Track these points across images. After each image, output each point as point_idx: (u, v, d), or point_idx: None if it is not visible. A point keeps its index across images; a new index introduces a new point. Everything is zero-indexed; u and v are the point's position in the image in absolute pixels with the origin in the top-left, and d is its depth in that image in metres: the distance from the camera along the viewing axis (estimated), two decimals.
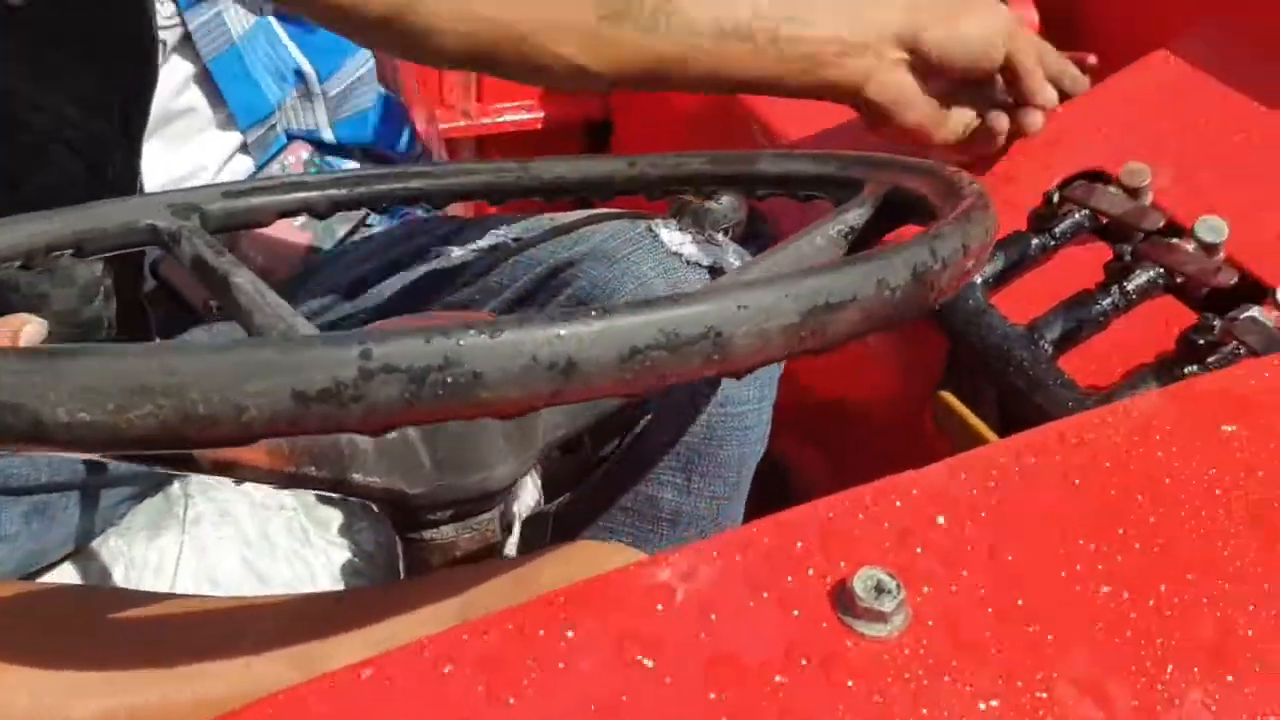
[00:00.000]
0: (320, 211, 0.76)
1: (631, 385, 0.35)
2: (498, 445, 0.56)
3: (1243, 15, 0.89)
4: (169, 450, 0.44)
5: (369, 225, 1.04)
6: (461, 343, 0.33)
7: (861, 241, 0.60)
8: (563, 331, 0.34)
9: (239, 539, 0.91)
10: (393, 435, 0.52)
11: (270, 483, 0.49)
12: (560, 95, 1.50)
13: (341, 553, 0.93)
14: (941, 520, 0.40)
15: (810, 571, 0.38)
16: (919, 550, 0.39)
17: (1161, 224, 0.74)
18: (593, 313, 0.34)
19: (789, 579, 0.38)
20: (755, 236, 0.99)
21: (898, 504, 0.40)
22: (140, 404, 0.33)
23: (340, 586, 0.92)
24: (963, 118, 0.85)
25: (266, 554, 0.92)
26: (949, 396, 0.75)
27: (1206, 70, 0.89)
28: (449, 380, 0.33)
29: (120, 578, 0.86)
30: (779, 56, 0.76)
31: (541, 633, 0.35)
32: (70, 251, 0.66)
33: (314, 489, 0.49)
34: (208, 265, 0.65)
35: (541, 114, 1.50)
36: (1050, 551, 0.39)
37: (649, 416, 0.76)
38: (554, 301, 0.81)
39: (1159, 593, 0.38)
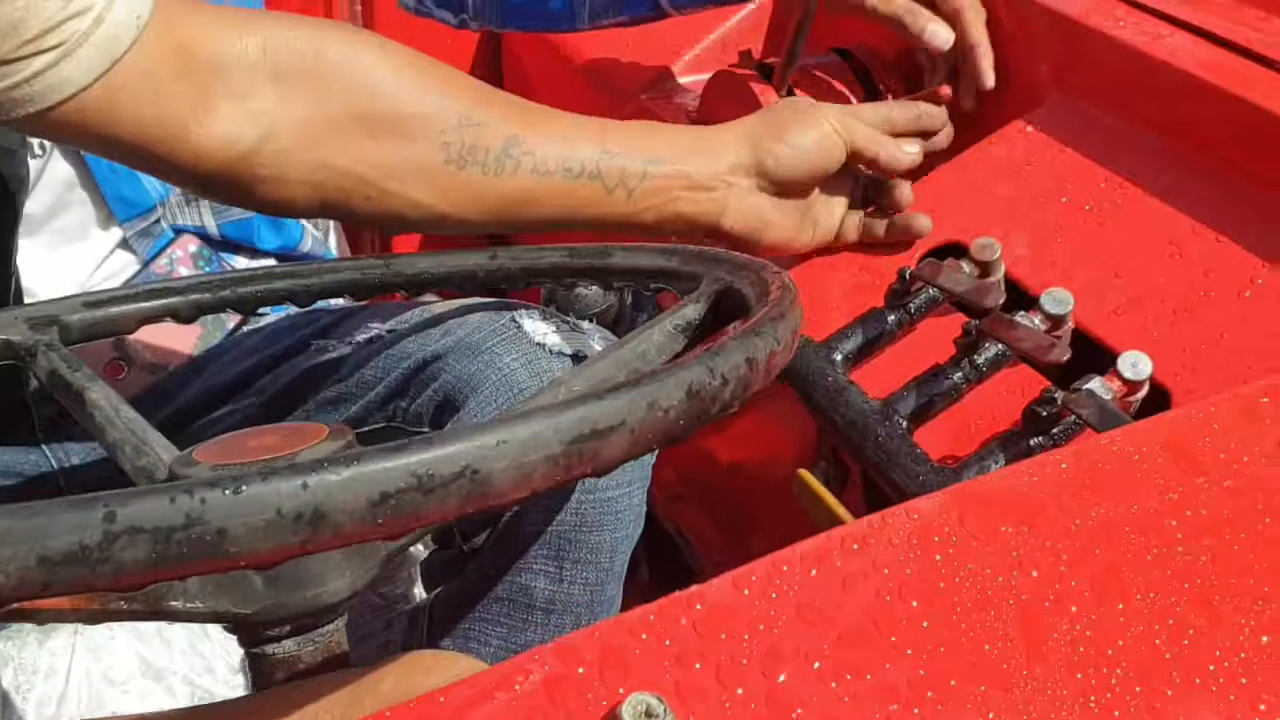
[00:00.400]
0: (185, 316, 0.76)
1: (387, 530, 0.36)
2: (332, 560, 0.56)
3: (1096, 87, 0.92)
4: None
5: (261, 313, 1.04)
6: (205, 500, 0.34)
7: (700, 336, 0.62)
8: (309, 481, 0.35)
9: (133, 636, 0.90)
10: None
11: (77, 621, 0.49)
12: None
13: (238, 646, 0.92)
14: (723, 636, 0.40)
15: (589, 697, 0.39)
16: (697, 668, 0.40)
17: (1002, 300, 0.76)
18: (342, 460, 0.35)
19: (568, 707, 0.38)
20: (636, 313, 1.01)
21: (682, 621, 0.41)
22: None
23: (239, 678, 0.91)
24: (831, 216, 0.88)
25: (162, 650, 0.91)
26: (807, 475, 0.76)
27: (1061, 141, 0.91)
28: (193, 538, 0.34)
29: (9, 682, 0.85)
30: (629, 195, 0.78)
31: None
32: None
33: (129, 621, 0.49)
34: (63, 381, 0.65)
35: None
36: (824, 662, 0.40)
37: (517, 506, 0.77)
38: (423, 395, 0.81)
39: (926, 699, 0.39)
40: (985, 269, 0.81)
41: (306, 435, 0.56)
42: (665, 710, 0.37)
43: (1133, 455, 0.46)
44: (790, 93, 1.02)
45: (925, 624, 0.41)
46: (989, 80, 0.94)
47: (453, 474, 0.36)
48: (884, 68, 1.02)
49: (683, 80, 1.19)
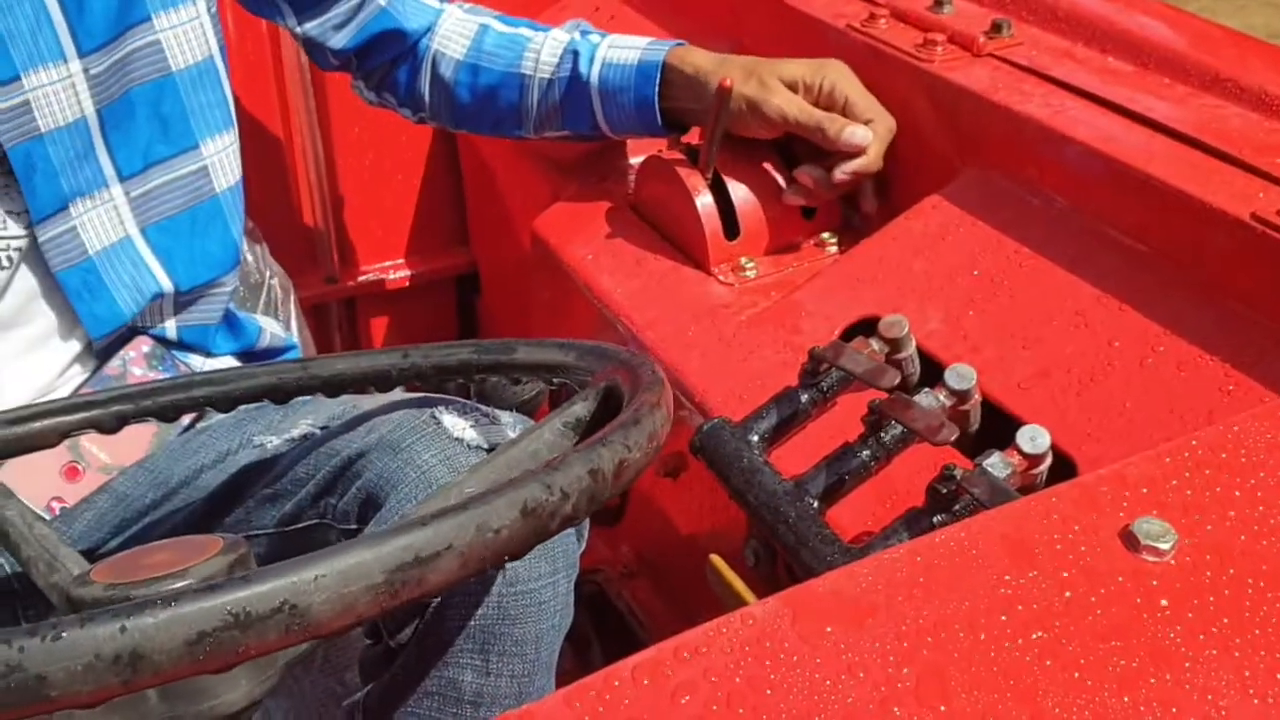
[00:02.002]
0: (108, 428, 0.78)
1: (208, 665, 0.37)
2: (226, 675, 0.57)
3: (1005, 160, 0.94)
4: None
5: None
6: (24, 649, 0.35)
7: (590, 431, 0.63)
8: (126, 624, 0.36)
9: None
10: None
11: None
12: (426, 250, 1.55)
13: None
14: None
15: None
16: None
17: (897, 381, 0.78)
18: (159, 601, 0.37)
19: None
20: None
21: None
22: None
23: None
24: None
25: None
26: (717, 560, 0.77)
27: (974, 214, 0.94)
28: (14, 685, 0.35)
29: None
30: None
31: None
32: None
33: None
34: None
35: (409, 271, 1.55)
36: None
37: (437, 601, 0.78)
38: (349, 493, 0.83)
39: None
40: (894, 345, 0.83)
41: (202, 550, 0.58)
42: None
43: (970, 550, 0.48)
44: (716, 175, 1.05)
45: None
46: (871, 205, 0.99)
47: (270, 610, 0.38)
48: (801, 146, 1.04)
49: (625, 159, 1.22)
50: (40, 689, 0.36)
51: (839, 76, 1.02)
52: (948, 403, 0.78)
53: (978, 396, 0.80)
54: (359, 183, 1.47)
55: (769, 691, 0.43)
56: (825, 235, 1.06)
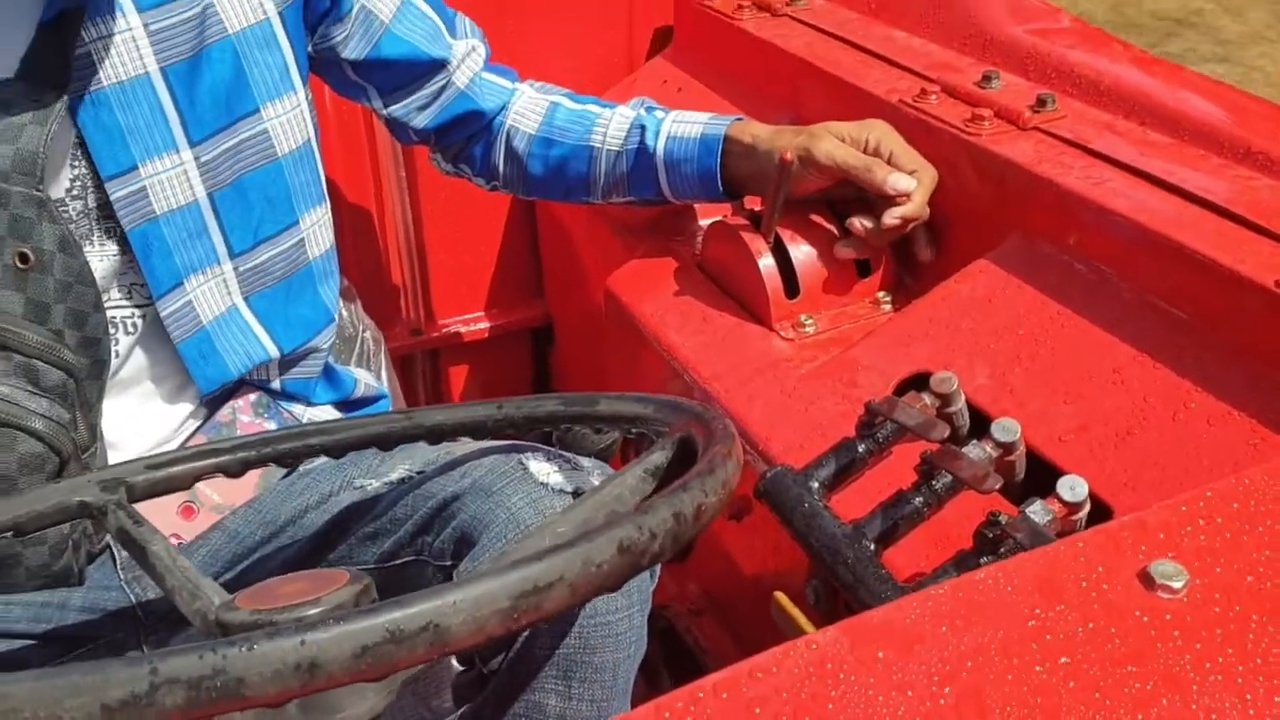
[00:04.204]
0: (233, 472, 0.88)
1: (369, 674, 0.46)
2: (356, 690, 0.65)
3: (1048, 228, 1.01)
4: None
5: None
6: (225, 656, 0.44)
7: (667, 477, 0.71)
8: (306, 639, 0.45)
9: None
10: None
11: None
12: (504, 304, 1.65)
13: None
14: None
15: None
16: None
17: (946, 434, 0.85)
18: (331, 620, 0.45)
19: None
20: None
21: None
22: None
23: None
24: None
25: None
26: (781, 597, 0.85)
27: (1019, 277, 1.01)
28: (219, 685, 0.44)
29: None
30: None
31: None
32: (10, 533, 0.78)
33: None
34: (129, 536, 0.76)
35: (488, 324, 1.64)
36: None
37: (527, 631, 0.86)
38: (445, 532, 0.92)
39: None
40: (945, 400, 0.90)
41: (330, 582, 0.66)
42: None
43: (1005, 586, 0.55)
44: (777, 238, 1.13)
45: None
46: (926, 254, 1.06)
47: (419, 628, 0.46)
48: (854, 205, 1.12)
49: (693, 222, 1.31)
50: (238, 689, 0.44)
51: (883, 133, 1.10)
52: (994, 454, 0.85)
53: (1022, 448, 0.86)
54: (443, 243, 1.57)
55: (830, 706, 0.50)
56: (880, 295, 1.14)
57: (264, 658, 0.44)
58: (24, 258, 0.90)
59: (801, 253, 1.13)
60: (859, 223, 1.09)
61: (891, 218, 1.07)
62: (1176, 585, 0.54)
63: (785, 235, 1.13)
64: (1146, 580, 0.54)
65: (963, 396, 0.91)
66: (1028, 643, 0.52)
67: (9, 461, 0.91)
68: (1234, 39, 4.30)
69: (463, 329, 1.64)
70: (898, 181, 1.05)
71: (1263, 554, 0.56)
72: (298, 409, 1.20)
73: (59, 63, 0.91)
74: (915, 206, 1.07)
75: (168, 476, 0.85)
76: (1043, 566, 0.56)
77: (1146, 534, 0.57)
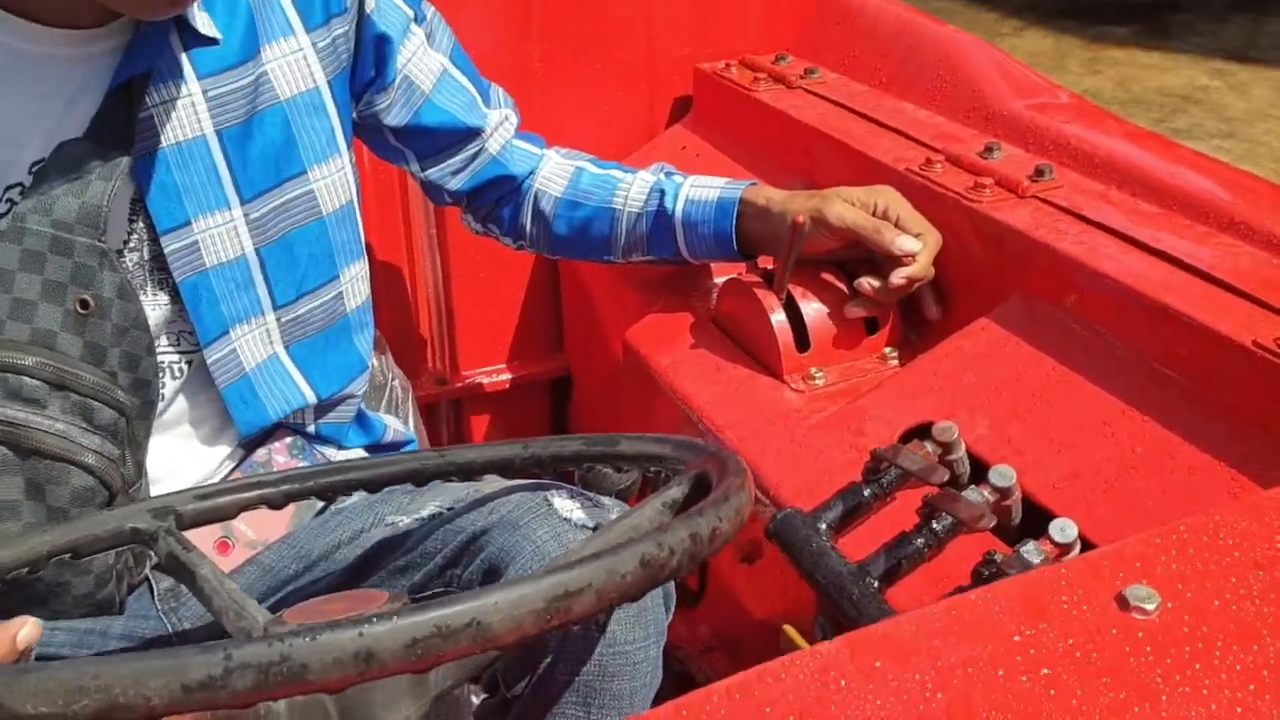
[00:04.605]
0: (276, 504, 0.93)
1: (419, 665, 0.51)
2: (391, 699, 0.71)
3: (1044, 289, 1.07)
4: None
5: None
6: (291, 645, 0.50)
7: (684, 511, 0.77)
8: (363, 631, 0.50)
9: None
10: (301, 699, 0.68)
11: None
12: (526, 356, 1.71)
13: None
14: None
15: None
16: None
17: (946, 478, 0.90)
18: (386, 615, 0.51)
19: None
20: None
21: None
22: (80, 699, 0.50)
23: None
24: None
25: None
26: (791, 630, 0.89)
27: (1018, 334, 1.07)
28: (285, 671, 0.50)
29: None
30: None
31: None
32: (69, 556, 0.83)
33: None
34: (178, 561, 0.82)
35: (509, 375, 1.71)
36: None
37: (549, 658, 0.91)
38: (473, 565, 0.97)
39: None
40: (946, 448, 0.96)
41: (370, 600, 0.72)
42: None
43: (994, 607, 0.60)
44: (789, 295, 1.19)
45: None
46: (933, 313, 1.12)
47: (463, 624, 0.52)
48: (863, 265, 1.18)
49: (709, 279, 1.38)
50: (302, 674, 0.50)
51: (891, 198, 1.17)
52: (992, 498, 0.90)
53: (1018, 493, 0.92)
54: (470, 298, 1.65)
55: (832, 708, 0.55)
56: (887, 350, 1.20)
57: (326, 646, 0.50)
58: (84, 303, 0.97)
59: (812, 309, 1.19)
60: (867, 283, 1.15)
61: (898, 278, 1.13)
62: (1149, 607, 0.59)
63: (797, 292, 1.19)
64: (1122, 602, 0.59)
65: (963, 445, 0.97)
66: (1013, 656, 0.58)
67: (62, 494, 0.97)
68: (1239, 115, 4.40)
69: (485, 380, 1.70)
70: (904, 243, 1.12)
71: (1229, 581, 0.61)
72: (330, 451, 1.26)
73: (125, 124, 0.98)
74: (921, 267, 1.13)
75: (214, 506, 0.91)
76: (1027, 589, 0.61)
77: (1123, 562, 0.62)
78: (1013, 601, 0.61)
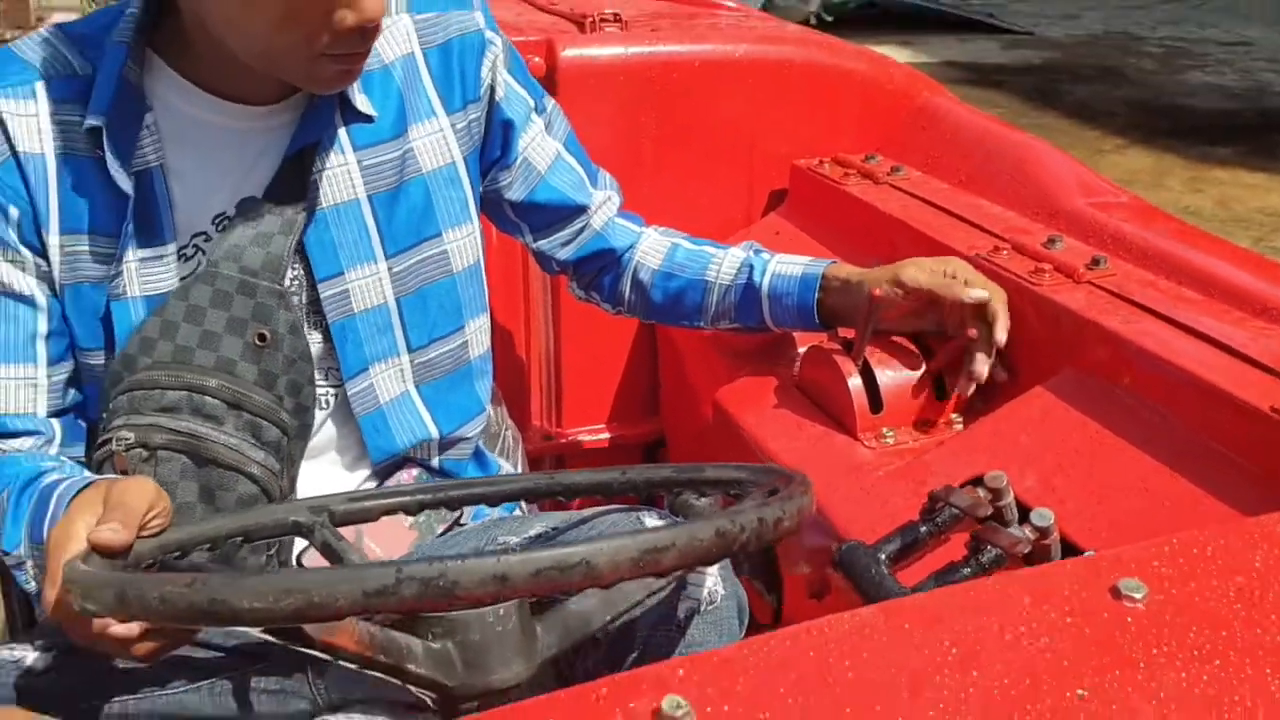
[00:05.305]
0: (411, 510, 1.10)
1: (540, 589, 0.66)
2: (506, 658, 0.85)
3: (1094, 365, 1.20)
4: (301, 623, 0.74)
5: (461, 524, 1.36)
6: (448, 566, 0.65)
7: None
8: (500, 559, 0.66)
9: None
10: (435, 645, 0.83)
11: (355, 663, 0.79)
12: (623, 418, 1.87)
13: None
14: (739, 681, 0.68)
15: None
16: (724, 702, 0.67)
17: (990, 513, 1.02)
18: (520, 550, 0.66)
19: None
20: None
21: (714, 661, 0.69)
22: (285, 599, 0.66)
23: None
24: None
25: None
26: None
27: (1068, 402, 1.19)
28: (441, 585, 0.65)
29: None
30: None
31: None
32: (241, 539, 1.01)
33: (383, 673, 0.80)
34: (331, 548, 0.99)
35: (608, 435, 1.87)
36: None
37: (635, 653, 1.05)
38: None
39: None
40: (996, 494, 1.08)
41: None
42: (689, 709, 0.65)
43: (1006, 590, 0.72)
44: (865, 362, 1.33)
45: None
46: (1001, 375, 1.25)
47: (577, 561, 0.66)
48: (934, 336, 1.32)
49: (793, 347, 1.52)
50: (453, 589, 0.65)
51: (959, 265, 1.30)
52: (1032, 536, 1.02)
53: (1056, 535, 1.04)
54: (577, 361, 1.82)
55: (865, 654, 0.68)
56: (954, 416, 1.33)
57: (472, 569, 0.65)
58: (262, 337, 1.15)
59: (886, 375, 1.33)
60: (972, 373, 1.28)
61: (999, 328, 1.25)
62: (1138, 596, 0.71)
63: (873, 360, 1.33)
64: (1115, 592, 0.72)
65: (1011, 493, 1.09)
66: (1018, 625, 0.70)
67: (229, 499, 1.15)
68: None
69: (586, 438, 1.86)
70: (974, 291, 1.25)
71: (1210, 584, 0.73)
72: None
73: (297, 186, 1.17)
74: (1001, 328, 1.24)
75: (361, 508, 1.08)
76: (1035, 577, 0.74)
77: (1120, 563, 0.74)
78: (1022, 585, 0.73)
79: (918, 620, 0.71)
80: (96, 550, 0.82)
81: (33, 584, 1.05)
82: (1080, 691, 0.65)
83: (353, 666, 0.81)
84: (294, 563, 1.24)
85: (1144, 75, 7.86)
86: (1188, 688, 0.67)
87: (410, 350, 1.26)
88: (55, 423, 1.16)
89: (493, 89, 1.28)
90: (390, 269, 1.22)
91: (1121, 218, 1.36)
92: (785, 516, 0.78)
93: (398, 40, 1.22)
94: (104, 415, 1.15)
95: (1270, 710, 0.64)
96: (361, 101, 1.18)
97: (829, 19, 8.51)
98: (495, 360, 1.40)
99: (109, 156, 1.08)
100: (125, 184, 1.09)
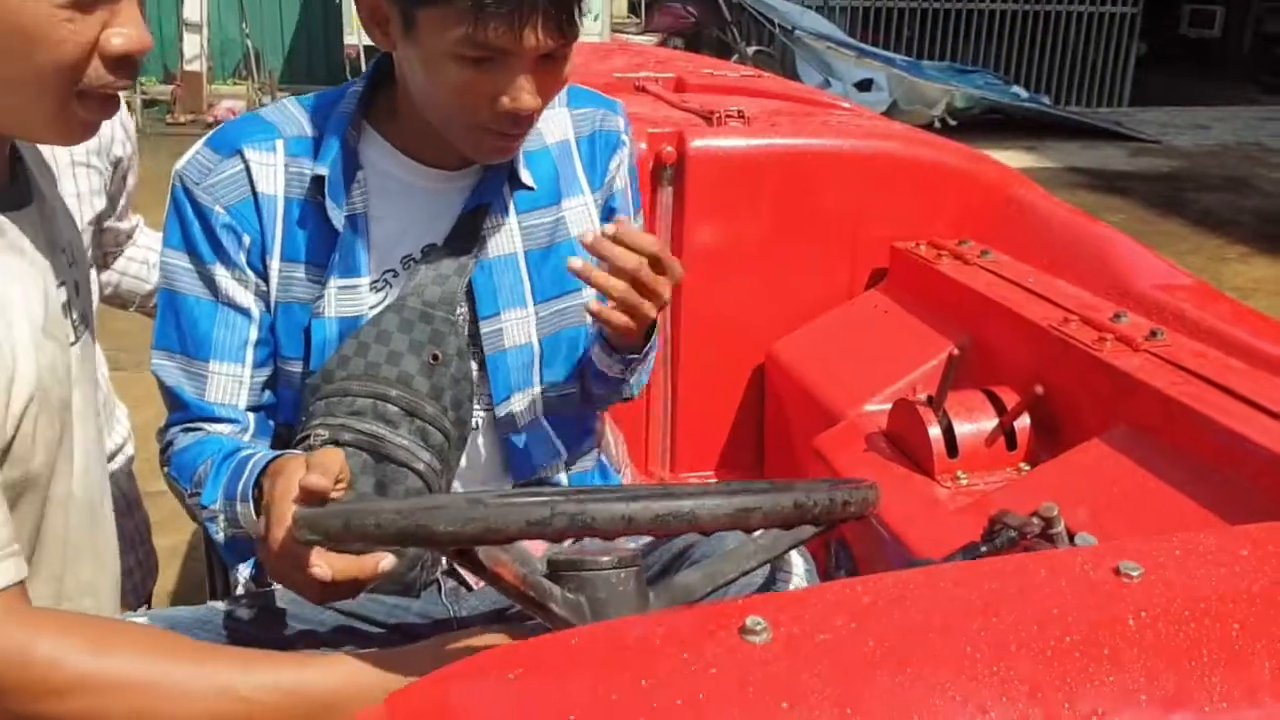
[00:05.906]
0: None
1: (657, 531, 0.87)
2: (622, 612, 1.05)
3: (1146, 422, 1.36)
4: (480, 544, 0.94)
5: None
6: (588, 505, 0.87)
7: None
8: (628, 504, 0.87)
9: None
10: (571, 595, 1.03)
11: (507, 594, 1.00)
12: (730, 466, 2.07)
13: None
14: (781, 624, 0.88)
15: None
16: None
17: (1039, 529, 1.19)
18: (644, 499, 0.87)
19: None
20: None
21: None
22: (470, 525, 0.88)
23: None
24: None
25: None
26: None
27: (1119, 452, 1.35)
28: (583, 520, 0.86)
29: None
30: None
31: None
32: None
33: (529, 608, 1.00)
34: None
35: (715, 481, 2.07)
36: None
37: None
38: (682, 568, 1.31)
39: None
40: (1048, 522, 1.25)
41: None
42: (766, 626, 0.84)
43: (1024, 563, 0.90)
44: (945, 415, 1.52)
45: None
46: None
47: (686, 511, 0.87)
48: (1009, 394, 1.50)
49: (870, 408, 1.72)
50: (592, 523, 0.86)
51: None
52: None
53: None
54: (691, 409, 2.04)
55: (907, 601, 0.87)
56: (1022, 464, 1.50)
57: (608, 510, 0.86)
58: (435, 357, 1.40)
59: (963, 426, 1.51)
60: None
61: None
62: (1135, 574, 0.88)
63: (951, 412, 1.52)
64: (1115, 571, 0.89)
65: (1063, 522, 1.25)
66: (1031, 593, 0.88)
67: (399, 492, 1.38)
68: None
69: (695, 482, 2.07)
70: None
71: (1200, 571, 0.90)
72: None
73: (471, 238, 1.43)
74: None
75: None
76: (1050, 557, 0.91)
77: (1125, 551, 0.91)
78: (1037, 564, 0.91)
79: (949, 579, 0.90)
80: (305, 491, 1.04)
81: (221, 534, 1.28)
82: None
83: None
84: (438, 579, 1.46)
85: (1274, 186, 7.82)
86: (1167, 639, 0.84)
87: (543, 383, 1.49)
88: (251, 416, 1.41)
89: (613, 181, 1.52)
90: (536, 314, 1.46)
91: (1182, 297, 1.53)
92: (852, 501, 0.97)
93: (557, 127, 1.48)
94: (303, 418, 1.40)
95: (1233, 657, 0.81)
96: (525, 175, 1.44)
97: (953, 124, 8.68)
98: (616, 408, 1.61)
99: (328, 201, 1.35)
100: (339, 223, 1.36)
